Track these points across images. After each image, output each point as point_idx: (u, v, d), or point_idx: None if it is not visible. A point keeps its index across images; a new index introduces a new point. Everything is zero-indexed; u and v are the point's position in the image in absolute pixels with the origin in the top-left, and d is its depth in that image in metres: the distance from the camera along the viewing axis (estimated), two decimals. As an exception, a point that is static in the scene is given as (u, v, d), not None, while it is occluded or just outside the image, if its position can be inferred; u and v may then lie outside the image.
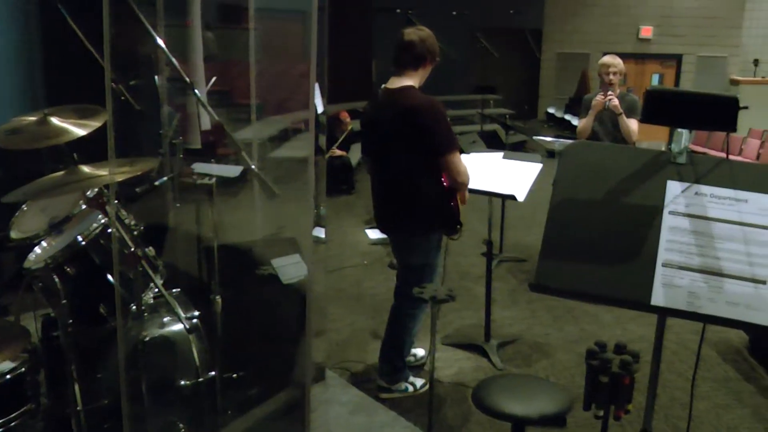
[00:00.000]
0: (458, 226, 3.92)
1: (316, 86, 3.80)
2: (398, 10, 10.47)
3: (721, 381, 4.54)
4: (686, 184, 2.11)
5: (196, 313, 3.23)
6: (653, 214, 2.10)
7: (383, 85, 3.93)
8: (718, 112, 2.14)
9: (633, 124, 5.55)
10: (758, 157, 13.19)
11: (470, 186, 3.93)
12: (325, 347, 4.78)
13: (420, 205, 3.85)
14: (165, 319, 3.15)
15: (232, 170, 4.20)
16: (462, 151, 3.83)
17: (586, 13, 18.14)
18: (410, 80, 3.81)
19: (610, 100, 5.60)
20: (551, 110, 17.94)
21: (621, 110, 5.57)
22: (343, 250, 7.26)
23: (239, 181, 4.28)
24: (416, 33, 3.81)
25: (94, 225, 2.98)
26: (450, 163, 3.72)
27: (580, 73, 17.93)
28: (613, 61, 5.75)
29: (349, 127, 10.07)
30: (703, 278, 2.02)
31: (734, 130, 2.08)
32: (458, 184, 3.80)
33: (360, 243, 7.56)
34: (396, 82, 3.82)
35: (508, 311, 5.65)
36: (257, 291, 4.38)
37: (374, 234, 7.54)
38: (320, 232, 6.90)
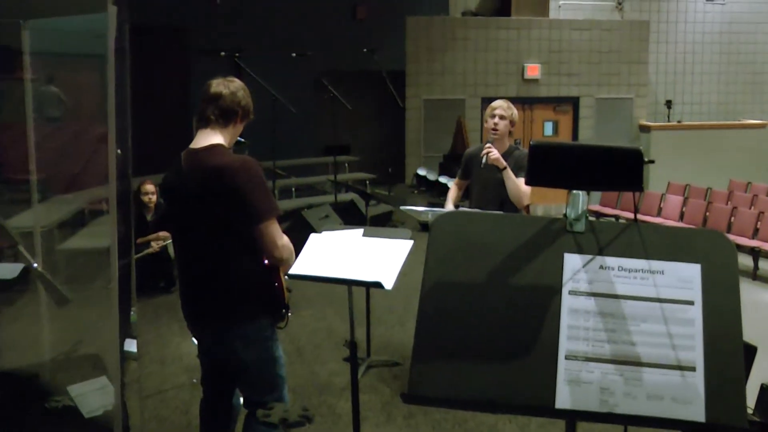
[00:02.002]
0: (284, 311, 3.99)
1: (118, 153, 3.78)
2: (223, 53, 10.53)
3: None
4: (588, 257, 2.19)
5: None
6: (549, 295, 2.16)
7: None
8: (619, 169, 2.23)
9: (524, 184, 5.57)
10: (682, 216, 13.52)
11: (325, 273, 3.96)
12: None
13: (236, 285, 3.89)
14: None
15: (7, 270, 4.08)
16: (312, 228, 3.88)
17: (458, 48, 18.69)
18: (218, 138, 3.92)
19: (488, 153, 5.64)
20: (422, 172, 18.24)
21: (505, 164, 5.61)
22: (164, 367, 7.08)
23: (17, 284, 4.16)
24: (225, 84, 3.95)
25: None
26: (266, 234, 3.79)
27: (456, 124, 18.32)
28: (501, 103, 5.85)
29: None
30: (616, 370, 2.07)
31: (641, 189, 2.17)
32: (276, 260, 3.88)
33: (185, 355, 7.39)
34: (201, 141, 3.91)
35: (382, 430, 5.65)
36: (48, 431, 4.22)
37: (204, 342, 7.41)
38: (131, 345, 6.75)
